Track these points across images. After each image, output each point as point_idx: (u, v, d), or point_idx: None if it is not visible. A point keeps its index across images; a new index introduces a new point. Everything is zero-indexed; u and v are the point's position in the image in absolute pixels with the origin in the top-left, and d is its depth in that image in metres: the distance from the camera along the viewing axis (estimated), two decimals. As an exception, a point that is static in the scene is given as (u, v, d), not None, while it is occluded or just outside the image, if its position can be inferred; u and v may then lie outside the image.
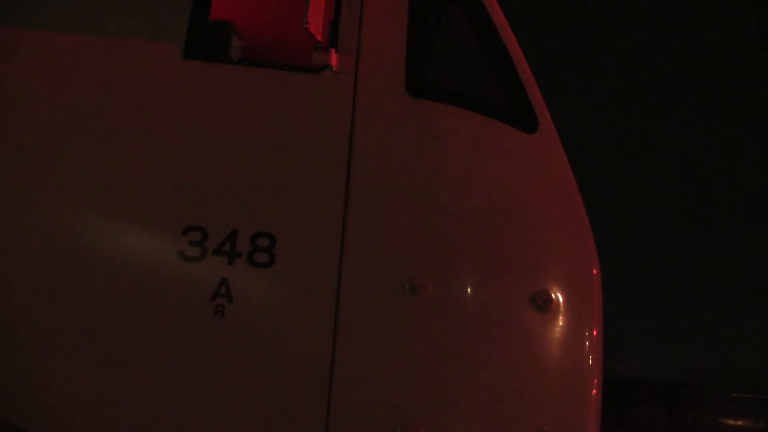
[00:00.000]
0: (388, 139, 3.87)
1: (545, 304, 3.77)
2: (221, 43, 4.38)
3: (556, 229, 3.97)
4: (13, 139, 3.71)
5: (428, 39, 4.15)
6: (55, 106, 3.76)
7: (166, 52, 3.86)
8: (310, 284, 3.65)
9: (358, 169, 3.77)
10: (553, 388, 3.77)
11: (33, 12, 3.88)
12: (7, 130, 3.72)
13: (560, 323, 3.80)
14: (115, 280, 3.56)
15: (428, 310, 3.67)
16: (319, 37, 3.89)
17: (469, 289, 3.74)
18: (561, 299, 3.81)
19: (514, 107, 4.10)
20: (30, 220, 3.61)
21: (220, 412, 3.53)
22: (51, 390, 3.52)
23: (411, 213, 3.78)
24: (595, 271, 3.99)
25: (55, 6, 3.90)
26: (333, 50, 3.91)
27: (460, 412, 3.66)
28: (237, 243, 3.62)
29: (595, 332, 3.88)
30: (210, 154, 3.76)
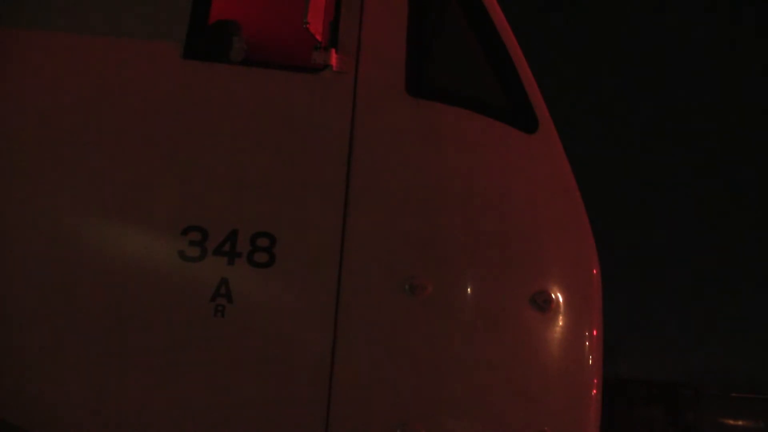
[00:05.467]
0: (388, 139, 3.87)
1: (545, 304, 3.77)
2: (222, 43, 4.39)
3: (556, 229, 3.97)
4: (13, 139, 3.71)
5: (428, 39, 4.15)
6: (54, 106, 3.76)
7: (166, 52, 3.86)
8: (310, 284, 3.65)
9: (358, 169, 3.77)
10: (553, 388, 3.77)
11: (33, 12, 3.88)
12: (7, 130, 3.72)
13: (560, 323, 3.80)
14: (115, 280, 3.56)
15: (428, 310, 3.67)
16: (319, 37, 3.88)
17: (469, 289, 3.74)
18: (561, 299, 3.81)
19: (514, 107, 4.10)
20: (29, 219, 3.61)
21: (220, 412, 3.53)
22: (51, 390, 3.52)
23: (411, 213, 3.78)
24: (595, 271, 3.99)
25: (54, 6, 3.90)
26: (333, 50, 3.91)
27: (460, 412, 3.66)
28: (237, 243, 3.62)
29: (595, 332, 3.88)
30: (210, 154, 3.76)
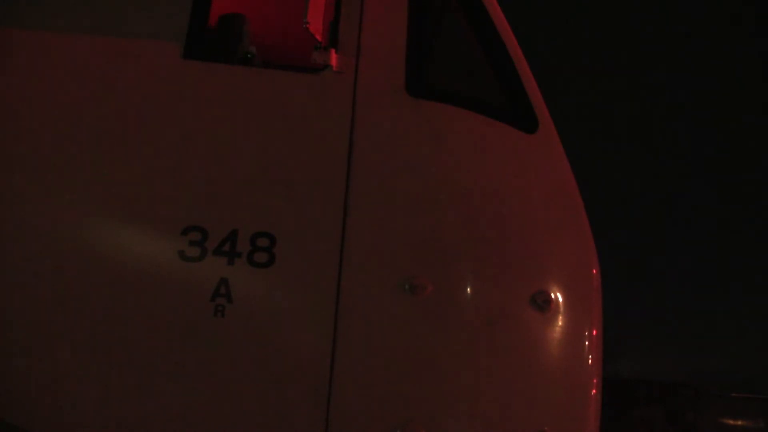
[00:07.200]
0: (388, 139, 3.87)
1: (545, 304, 3.77)
2: (226, 40, 4.38)
3: (556, 228, 3.97)
4: (13, 139, 3.71)
5: (428, 39, 4.15)
6: (54, 106, 3.76)
7: (166, 52, 3.86)
8: (310, 284, 3.65)
9: (358, 169, 3.77)
10: (553, 388, 3.77)
11: (33, 12, 3.88)
12: (7, 130, 3.72)
13: (560, 323, 3.80)
14: (114, 280, 3.56)
15: (428, 310, 3.66)
16: (319, 37, 3.88)
17: (469, 289, 3.74)
18: (561, 299, 3.82)
19: (514, 107, 4.10)
20: (29, 219, 3.61)
21: (219, 412, 3.53)
22: (51, 390, 3.52)
23: (411, 213, 3.78)
24: (595, 271, 4.00)
25: (54, 6, 3.90)
26: (333, 50, 3.91)
27: (460, 412, 3.66)
28: (237, 243, 3.62)
29: (595, 332, 3.88)
30: (210, 154, 3.76)
